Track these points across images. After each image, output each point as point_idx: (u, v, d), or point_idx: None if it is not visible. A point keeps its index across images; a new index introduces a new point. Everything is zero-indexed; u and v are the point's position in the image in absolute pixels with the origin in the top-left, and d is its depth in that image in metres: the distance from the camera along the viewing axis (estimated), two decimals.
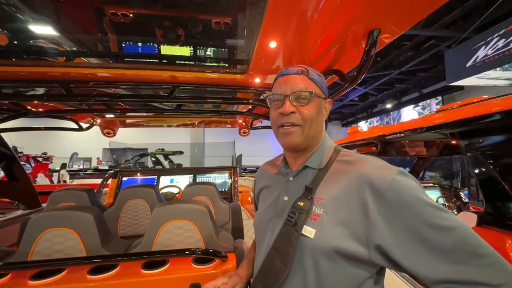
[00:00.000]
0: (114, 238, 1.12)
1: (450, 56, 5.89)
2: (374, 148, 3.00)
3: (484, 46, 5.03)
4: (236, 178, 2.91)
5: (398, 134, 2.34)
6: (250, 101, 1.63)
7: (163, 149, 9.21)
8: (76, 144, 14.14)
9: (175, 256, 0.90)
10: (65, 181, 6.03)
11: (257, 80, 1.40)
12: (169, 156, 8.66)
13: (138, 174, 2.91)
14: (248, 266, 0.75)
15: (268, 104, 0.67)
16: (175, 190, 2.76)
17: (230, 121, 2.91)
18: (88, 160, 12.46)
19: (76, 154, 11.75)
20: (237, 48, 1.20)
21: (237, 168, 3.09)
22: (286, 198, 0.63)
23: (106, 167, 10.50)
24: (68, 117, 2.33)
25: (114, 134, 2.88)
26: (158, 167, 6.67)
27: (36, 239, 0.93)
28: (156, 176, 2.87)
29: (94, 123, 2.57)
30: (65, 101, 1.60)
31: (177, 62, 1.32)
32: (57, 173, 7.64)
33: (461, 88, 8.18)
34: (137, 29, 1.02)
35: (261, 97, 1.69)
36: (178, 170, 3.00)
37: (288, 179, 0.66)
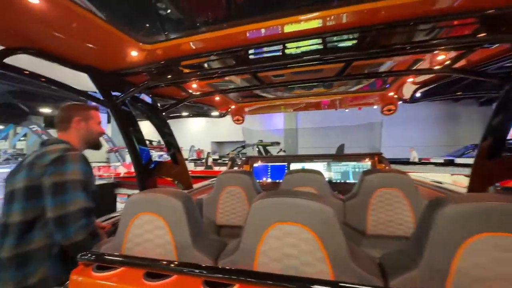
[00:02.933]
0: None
1: None
2: None
3: None
4: (388, 167, 2.30)
5: None
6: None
7: (261, 141, 9.63)
8: (191, 138, 17.11)
9: None
10: (210, 167, 7.18)
11: None
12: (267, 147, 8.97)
13: (265, 161, 2.80)
14: None
15: None
16: None
17: (378, 95, 2.29)
18: (201, 151, 14.73)
19: (193, 146, 14.18)
20: None
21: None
22: None
23: (217, 157, 12.06)
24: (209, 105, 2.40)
25: (243, 121, 2.86)
26: None
27: (264, 233, 0.69)
28: (287, 163, 2.66)
29: (229, 109, 2.59)
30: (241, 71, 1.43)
31: None
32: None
33: None
34: None
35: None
36: (310, 156, 2.68)
37: None
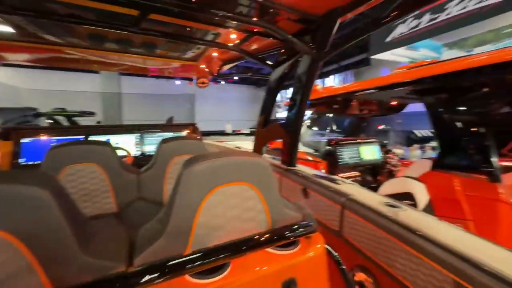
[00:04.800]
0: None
1: None
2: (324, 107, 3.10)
3: (402, 24, 5.86)
4: (199, 137, 2.43)
5: (363, 92, 2.38)
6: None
7: (63, 109, 6.84)
8: None
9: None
10: None
11: None
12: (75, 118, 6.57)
13: (44, 133, 1.96)
14: None
15: None
16: (122, 153, 2.05)
17: (190, 66, 2.28)
18: None
19: None
20: None
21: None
22: None
23: None
24: None
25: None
26: None
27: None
28: (84, 136, 2.01)
29: None
30: None
31: None
32: None
33: (368, 63, 9.39)
34: None
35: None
36: (117, 127, 2.21)
37: None
